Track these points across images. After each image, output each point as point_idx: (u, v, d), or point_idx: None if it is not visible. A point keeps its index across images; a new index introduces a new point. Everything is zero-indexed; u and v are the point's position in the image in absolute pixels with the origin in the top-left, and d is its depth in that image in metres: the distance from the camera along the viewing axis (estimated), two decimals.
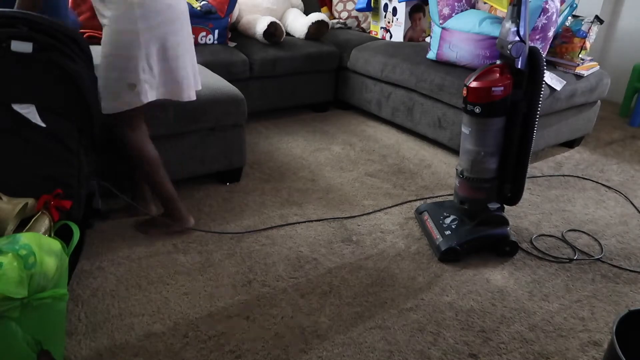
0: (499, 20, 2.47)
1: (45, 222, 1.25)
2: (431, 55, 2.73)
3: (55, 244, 1.15)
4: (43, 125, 1.38)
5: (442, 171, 2.54)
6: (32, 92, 1.39)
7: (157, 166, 1.77)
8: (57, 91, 1.42)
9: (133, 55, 1.55)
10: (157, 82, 1.64)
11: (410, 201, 2.23)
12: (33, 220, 1.25)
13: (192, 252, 1.78)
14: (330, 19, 3.47)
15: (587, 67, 2.66)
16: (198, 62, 2.45)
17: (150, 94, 1.63)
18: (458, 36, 2.55)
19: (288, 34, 3.24)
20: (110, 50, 1.55)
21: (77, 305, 1.51)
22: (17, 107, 1.35)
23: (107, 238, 1.83)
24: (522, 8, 1.63)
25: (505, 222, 1.88)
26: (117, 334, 1.41)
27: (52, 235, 1.26)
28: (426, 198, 2.26)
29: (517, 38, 1.65)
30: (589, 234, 2.05)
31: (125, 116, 1.65)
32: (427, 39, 3.15)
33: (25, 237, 1.08)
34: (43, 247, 1.10)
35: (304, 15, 3.26)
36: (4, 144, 1.36)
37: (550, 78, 2.46)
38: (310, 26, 3.13)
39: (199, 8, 2.76)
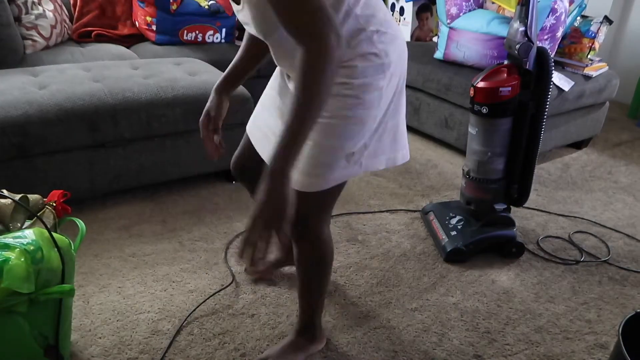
0: (507, 20, 2.46)
1: (50, 218, 1.26)
2: (438, 55, 2.72)
3: (62, 240, 1.16)
4: None
5: (449, 171, 2.53)
6: None
7: (330, 267, 1.32)
8: None
9: (370, 116, 1.12)
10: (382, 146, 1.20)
11: (416, 201, 2.22)
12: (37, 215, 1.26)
13: (198, 250, 1.79)
14: None
15: (596, 68, 2.64)
16: (206, 61, 2.45)
17: (372, 161, 1.18)
18: (466, 36, 2.54)
19: None
20: (339, 111, 1.09)
21: (83, 301, 1.52)
22: None
23: (113, 235, 1.84)
24: (531, 8, 1.62)
25: (511, 223, 1.87)
26: (123, 331, 1.42)
27: (58, 231, 1.27)
28: (432, 198, 2.26)
29: (525, 38, 1.64)
30: (596, 236, 2.04)
31: (328, 198, 1.19)
32: (435, 39, 3.14)
33: (32, 233, 1.09)
34: (50, 242, 1.10)
35: None
36: None
37: (558, 79, 2.44)
38: None
39: (207, 7, 2.76)
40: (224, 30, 2.86)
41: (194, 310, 1.51)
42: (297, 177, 1.11)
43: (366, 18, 1.06)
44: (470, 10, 2.62)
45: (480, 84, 1.70)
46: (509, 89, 1.67)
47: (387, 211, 2.13)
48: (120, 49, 2.60)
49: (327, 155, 1.11)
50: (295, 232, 1.21)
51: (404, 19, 3.22)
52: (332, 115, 1.08)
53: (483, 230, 1.84)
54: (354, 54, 1.06)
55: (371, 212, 2.11)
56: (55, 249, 1.11)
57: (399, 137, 1.25)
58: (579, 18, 2.61)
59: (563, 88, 2.44)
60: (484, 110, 1.70)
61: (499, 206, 1.85)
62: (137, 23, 2.77)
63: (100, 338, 1.39)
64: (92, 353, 1.35)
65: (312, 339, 1.39)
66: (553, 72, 1.69)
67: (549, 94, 1.70)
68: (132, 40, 2.76)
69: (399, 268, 1.77)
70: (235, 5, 1.06)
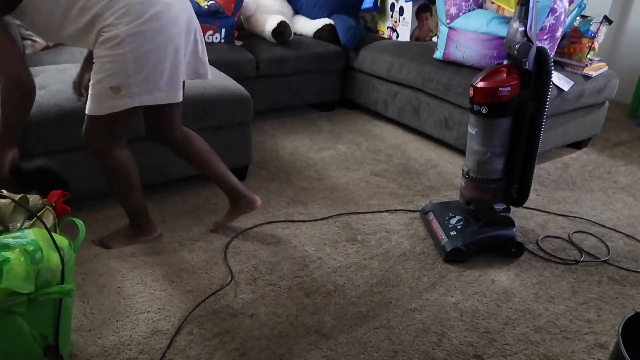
0: (507, 20, 2.46)
1: (49, 218, 1.26)
2: (438, 55, 2.72)
3: (62, 240, 1.16)
4: None
5: (448, 171, 2.53)
6: None
7: (126, 180, 1.67)
8: None
9: (121, 59, 1.44)
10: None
11: (415, 201, 2.22)
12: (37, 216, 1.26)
13: (198, 250, 1.79)
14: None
15: (596, 68, 2.64)
16: None
17: (146, 97, 1.50)
18: (465, 36, 2.54)
19: (295, 34, 3.25)
20: (99, 55, 1.46)
21: (83, 301, 1.52)
22: None
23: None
24: (530, 8, 1.62)
25: (511, 223, 1.87)
26: (122, 331, 1.42)
27: (58, 231, 1.27)
28: (432, 198, 2.26)
29: (525, 38, 1.64)
30: (595, 236, 2.04)
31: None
32: (434, 39, 3.14)
33: (32, 233, 1.09)
34: (50, 242, 1.10)
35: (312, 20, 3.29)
36: None
37: (558, 78, 2.44)
38: (318, 30, 3.15)
39: (206, 7, 2.76)
40: (223, 30, 2.86)
41: (194, 310, 1.51)
42: (88, 103, 1.50)
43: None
44: (469, 10, 2.62)
45: (480, 84, 1.70)
46: (509, 89, 1.67)
47: (386, 211, 2.13)
48: None
49: (95, 87, 1.45)
50: (88, 147, 1.59)
51: (404, 19, 3.22)
52: (96, 58, 1.44)
53: (483, 230, 1.84)
54: (108, 20, 1.39)
55: (371, 212, 2.11)
56: (55, 249, 1.11)
57: (172, 82, 1.53)
58: (578, 18, 2.61)
59: (563, 88, 2.44)
60: (484, 110, 1.70)
61: (499, 206, 1.85)
62: None
63: (99, 338, 1.39)
64: (91, 353, 1.35)
65: (140, 231, 1.80)
66: (553, 72, 1.69)
67: (548, 94, 1.70)
68: None
69: (398, 268, 1.77)
70: None
